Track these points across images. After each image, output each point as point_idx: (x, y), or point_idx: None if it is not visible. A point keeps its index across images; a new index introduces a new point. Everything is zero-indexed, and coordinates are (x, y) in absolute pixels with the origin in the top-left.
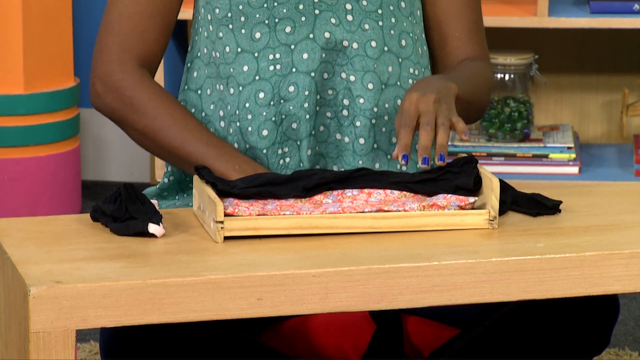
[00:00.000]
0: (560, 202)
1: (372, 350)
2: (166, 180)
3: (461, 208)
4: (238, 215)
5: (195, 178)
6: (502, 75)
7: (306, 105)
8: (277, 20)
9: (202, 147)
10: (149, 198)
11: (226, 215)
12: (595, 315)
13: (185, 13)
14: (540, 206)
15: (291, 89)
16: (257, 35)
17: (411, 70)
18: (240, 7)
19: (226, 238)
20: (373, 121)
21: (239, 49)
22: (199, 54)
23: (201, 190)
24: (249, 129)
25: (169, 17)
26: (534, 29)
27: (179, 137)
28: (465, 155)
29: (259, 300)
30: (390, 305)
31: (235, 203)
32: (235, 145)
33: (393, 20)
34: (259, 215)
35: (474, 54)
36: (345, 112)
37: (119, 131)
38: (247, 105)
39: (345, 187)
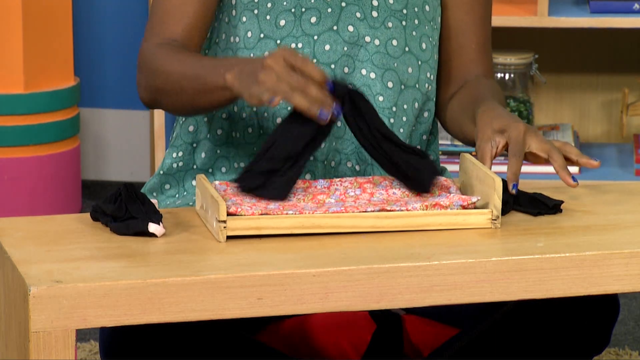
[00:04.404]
0: (562, 201)
1: (372, 350)
2: (175, 165)
3: (464, 207)
4: (240, 215)
5: (198, 178)
6: (502, 75)
7: None
8: (303, 9)
9: (196, 69)
10: (150, 191)
11: (229, 214)
12: (595, 315)
13: None
14: (541, 206)
15: None
16: (282, 22)
17: (428, 74)
18: None
19: (228, 237)
20: (391, 120)
21: (262, 35)
22: (217, 40)
23: (204, 189)
24: (265, 115)
25: (208, 2)
26: (534, 29)
27: (178, 70)
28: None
29: (259, 300)
30: (390, 305)
31: (238, 202)
32: (250, 130)
33: (416, 21)
34: (261, 214)
35: (485, 69)
36: None
37: (119, 131)
38: None
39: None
